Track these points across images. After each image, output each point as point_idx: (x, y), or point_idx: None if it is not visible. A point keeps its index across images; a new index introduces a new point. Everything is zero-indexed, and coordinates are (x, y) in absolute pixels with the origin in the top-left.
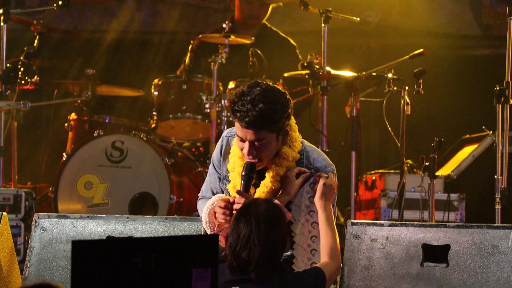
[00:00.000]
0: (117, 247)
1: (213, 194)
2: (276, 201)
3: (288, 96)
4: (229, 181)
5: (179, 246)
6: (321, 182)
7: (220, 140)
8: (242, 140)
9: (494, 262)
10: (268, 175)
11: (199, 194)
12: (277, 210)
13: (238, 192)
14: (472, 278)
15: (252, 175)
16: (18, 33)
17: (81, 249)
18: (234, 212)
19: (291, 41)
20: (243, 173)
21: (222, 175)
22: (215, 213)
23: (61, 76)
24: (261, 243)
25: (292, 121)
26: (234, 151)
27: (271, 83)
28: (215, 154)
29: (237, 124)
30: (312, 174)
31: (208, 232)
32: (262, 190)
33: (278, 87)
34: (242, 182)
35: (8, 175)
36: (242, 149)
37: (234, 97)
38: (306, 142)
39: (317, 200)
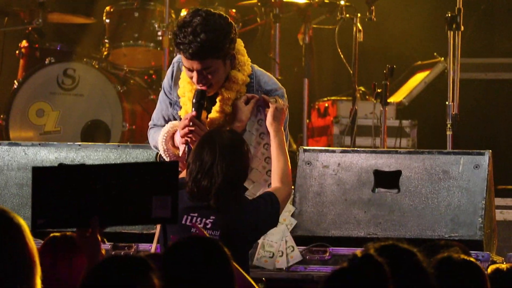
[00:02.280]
0: (75, 173)
1: (165, 121)
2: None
3: (229, 20)
4: (180, 107)
5: (139, 173)
6: (272, 106)
7: (171, 65)
8: (190, 70)
9: (445, 188)
10: (219, 100)
11: (149, 123)
12: (241, 140)
13: (192, 119)
14: (423, 203)
15: (202, 102)
16: None
17: (41, 175)
18: (186, 137)
19: None
20: (194, 100)
21: (173, 101)
22: (172, 140)
23: (12, 3)
24: (224, 171)
25: (240, 45)
26: (183, 77)
27: (217, 11)
28: (166, 80)
29: (182, 55)
30: (260, 98)
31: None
32: (213, 115)
33: (219, 12)
34: (193, 109)
35: None
36: (191, 78)
37: (176, 29)
38: (256, 66)
39: (269, 124)
